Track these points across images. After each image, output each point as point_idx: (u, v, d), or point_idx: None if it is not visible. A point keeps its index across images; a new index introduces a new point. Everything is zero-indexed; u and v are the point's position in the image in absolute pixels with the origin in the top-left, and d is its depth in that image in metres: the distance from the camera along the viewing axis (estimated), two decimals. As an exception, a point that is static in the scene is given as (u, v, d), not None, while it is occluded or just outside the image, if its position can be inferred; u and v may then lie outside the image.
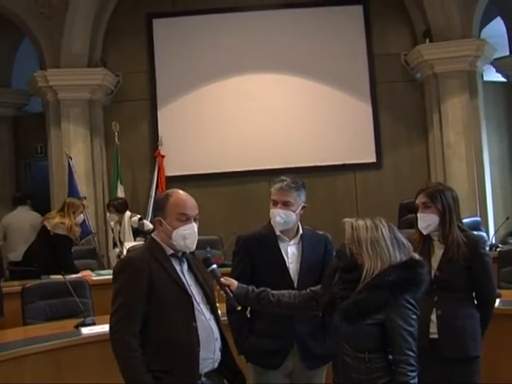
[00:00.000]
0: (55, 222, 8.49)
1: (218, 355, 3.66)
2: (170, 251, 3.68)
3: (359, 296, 3.43)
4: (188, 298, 3.60)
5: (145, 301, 3.53)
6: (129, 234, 9.77)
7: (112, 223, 10.13)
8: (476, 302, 4.36)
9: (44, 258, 8.43)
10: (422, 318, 3.91)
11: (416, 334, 3.41)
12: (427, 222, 4.33)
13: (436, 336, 4.22)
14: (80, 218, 8.82)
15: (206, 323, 3.62)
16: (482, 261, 4.31)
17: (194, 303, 3.61)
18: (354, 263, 3.49)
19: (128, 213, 9.89)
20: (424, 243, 4.37)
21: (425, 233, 4.36)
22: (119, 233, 9.86)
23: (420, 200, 4.39)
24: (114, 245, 10.11)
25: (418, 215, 4.39)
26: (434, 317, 4.24)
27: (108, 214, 10.17)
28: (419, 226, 4.38)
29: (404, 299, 3.40)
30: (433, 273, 4.25)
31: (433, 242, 4.39)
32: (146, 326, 3.54)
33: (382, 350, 3.42)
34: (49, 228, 8.50)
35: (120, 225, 9.87)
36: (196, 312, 3.60)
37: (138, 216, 9.94)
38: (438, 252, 4.34)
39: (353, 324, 3.44)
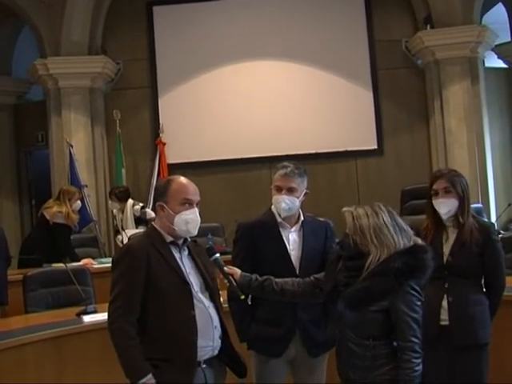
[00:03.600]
0: (53, 211, 8.51)
1: (217, 343, 3.66)
2: (169, 238, 3.67)
3: (364, 283, 3.42)
4: (186, 286, 3.60)
5: (143, 289, 3.53)
6: (131, 222, 9.78)
7: (114, 211, 10.14)
8: (485, 289, 4.36)
9: (44, 247, 8.45)
10: (433, 304, 3.94)
11: (421, 321, 3.41)
12: (448, 207, 4.30)
13: (446, 323, 4.21)
14: (77, 204, 8.81)
15: (205, 311, 3.62)
16: (493, 247, 4.31)
17: (193, 291, 3.61)
18: (358, 253, 3.49)
19: (130, 201, 9.91)
20: (437, 229, 4.34)
21: (445, 218, 4.32)
22: (121, 221, 9.87)
23: (441, 185, 4.34)
24: (117, 232, 10.13)
25: (439, 200, 4.32)
26: (445, 303, 4.23)
27: (110, 202, 10.19)
28: (441, 212, 4.32)
29: (409, 286, 3.39)
30: (445, 258, 4.25)
31: (446, 228, 4.37)
32: (144, 315, 3.55)
33: (387, 336, 3.43)
34: (47, 217, 8.51)
35: (122, 213, 9.89)
36: (194, 300, 3.60)
37: (141, 204, 9.94)
38: (451, 238, 4.32)
39: (357, 311, 3.44)
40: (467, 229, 4.25)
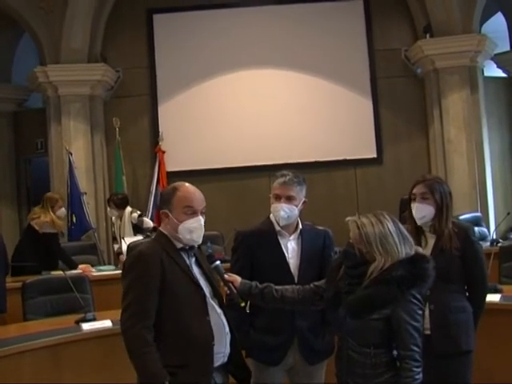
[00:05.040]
0: (41, 221, 8.51)
1: (228, 349, 3.66)
2: (179, 245, 3.65)
3: (366, 291, 3.43)
4: (200, 291, 3.59)
5: (157, 295, 3.50)
6: (129, 229, 9.78)
7: (113, 218, 10.14)
8: (468, 294, 4.32)
9: (37, 256, 8.42)
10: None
11: (421, 330, 3.42)
12: (423, 212, 4.30)
13: (428, 332, 4.15)
14: (61, 211, 8.79)
15: (218, 317, 3.62)
16: (473, 248, 4.29)
17: (206, 297, 3.60)
18: (362, 261, 3.49)
19: (129, 208, 9.90)
20: (416, 234, 4.31)
21: (419, 223, 4.32)
22: (119, 228, 9.87)
23: (419, 190, 4.35)
24: (114, 239, 10.12)
25: (415, 205, 4.35)
26: (426, 312, 4.12)
27: (108, 209, 10.18)
28: (414, 216, 4.34)
29: (410, 294, 3.40)
30: None
31: (424, 233, 4.36)
32: (160, 321, 3.51)
33: (387, 345, 3.42)
34: (36, 228, 8.51)
35: (120, 220, 9.88)
36: (208, 306, 3.59)
37: (139, 212, 9.94)
38: (430, 243, 4.31)
39: (358, 319, 3.44)
40: (446, 236, 4.23)
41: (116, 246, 9.93)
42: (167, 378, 3.42)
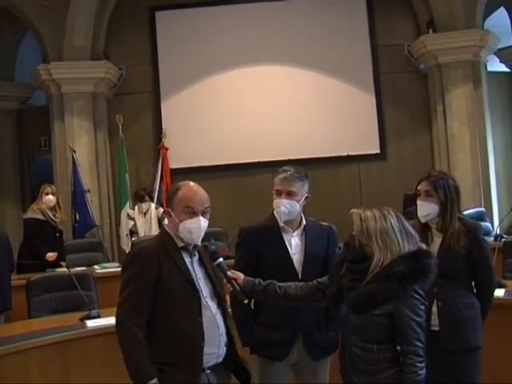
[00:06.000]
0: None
1: (222, 350, 3.65)
2: (180, 243, 3.66)
3: (368, 287, 3.42)
4: (195, 292, 3.58)
5: (152, 293, 3.51)
6: (155, 225, 9.95)
7: (130, 213, 10.18)
8: (476, 291, 4.31)
9: (34, 248, 8.55)
10: (423, 310, 3.90)
11: (424, 325, 3.41)
12: (427, 210, 4.29)
13: (437, 328, 4.16)
14: (46, 198, 8.91)
15: (212, 318, 3.61)
16: (480, 247, 4.26)
17: (201, 298, 3.59)
18: (363, 255, 3.49)
19: (152, 204, 10.11)
20: (422, 231, 4.28)
21: (423, 221, 4.32)
22: (143, 224, 9.97)
23: (423, 187, 4.34)
24: (132, 233, 10.16)
25: (419, 203, 4.34)
26: (434, 308, 4.19)
27: (144, 204, 10.12)
28: (418, 214, 4.33)
29: (412, 290, 3.39)
30: None
31: (431, 230, 4.35)
32: (153, 319, 3.53)
33: (390, 340, 3.42)
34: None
35: (144, 216, 9.98)
36: (202, 307, 3.58)
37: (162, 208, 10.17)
38: (437, 240, 4.29)
39: (361, 315, 3.44)
40: (453, 235, 4.20)
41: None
42: (155, 375, 3.43)
